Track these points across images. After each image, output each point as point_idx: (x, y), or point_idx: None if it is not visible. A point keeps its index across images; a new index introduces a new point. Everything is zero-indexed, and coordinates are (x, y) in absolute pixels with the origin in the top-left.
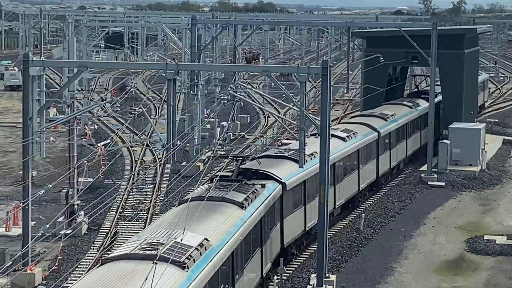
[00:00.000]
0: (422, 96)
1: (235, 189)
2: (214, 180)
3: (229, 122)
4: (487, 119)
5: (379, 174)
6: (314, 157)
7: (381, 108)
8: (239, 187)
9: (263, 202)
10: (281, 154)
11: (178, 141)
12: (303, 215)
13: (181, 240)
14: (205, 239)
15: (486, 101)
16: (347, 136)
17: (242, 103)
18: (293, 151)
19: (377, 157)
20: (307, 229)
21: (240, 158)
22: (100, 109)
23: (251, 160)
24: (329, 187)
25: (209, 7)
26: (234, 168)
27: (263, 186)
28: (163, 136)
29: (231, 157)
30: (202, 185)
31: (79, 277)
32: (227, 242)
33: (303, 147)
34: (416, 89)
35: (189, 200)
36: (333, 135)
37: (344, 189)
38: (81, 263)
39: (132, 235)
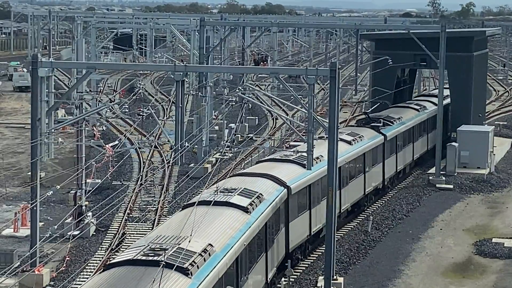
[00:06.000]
0: (372, 124)
1: None
2: None
3: (237, 124)
4: (496, 122)
5: (289, 249)
6: (210, 255)
7: (303, 147)
8: None
9: None
10: (158, 260)
11: (186, 143)
12: None
13: None
14: None
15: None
16: (251, 204)
17: (250, 105)
18: (180, 256)
19: (286, 224)
20: None
21: None
22: (109, 111)
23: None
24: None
25: (217, 9)
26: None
27: None
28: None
29: None
30: None
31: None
32: None
33: (311, 149)
34: (365, 115)
35: None
36: (228, 203)
37: (256, 275)
38: (89, 264)
39: (140, 237)
